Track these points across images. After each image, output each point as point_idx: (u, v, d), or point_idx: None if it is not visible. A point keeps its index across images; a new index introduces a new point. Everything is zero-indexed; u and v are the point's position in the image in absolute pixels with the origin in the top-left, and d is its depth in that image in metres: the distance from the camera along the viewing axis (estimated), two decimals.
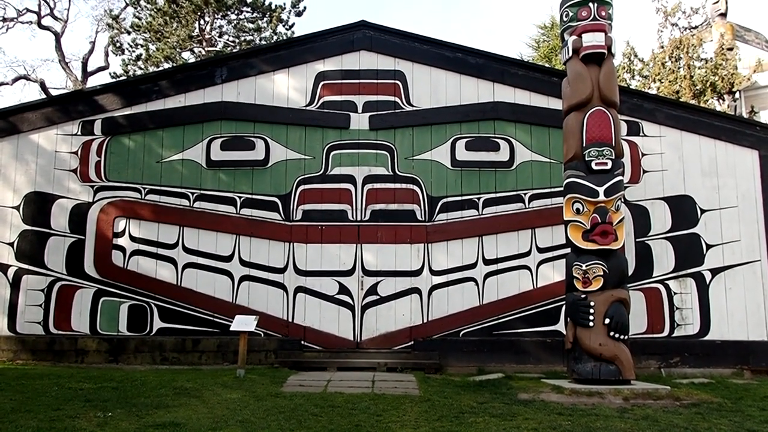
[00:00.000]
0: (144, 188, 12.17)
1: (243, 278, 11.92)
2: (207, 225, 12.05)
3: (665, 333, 11.78)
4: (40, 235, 12.02)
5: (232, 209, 12.09)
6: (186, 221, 12.06)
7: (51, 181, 12.20)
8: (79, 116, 12.42)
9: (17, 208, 12.12)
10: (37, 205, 12.13)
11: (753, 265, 11.99)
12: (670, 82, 21.80)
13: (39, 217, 12.08)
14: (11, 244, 12.02)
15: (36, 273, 11.92)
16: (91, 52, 33.35)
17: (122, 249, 11.98)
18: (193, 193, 12.15)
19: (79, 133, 12.37)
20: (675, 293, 11.88)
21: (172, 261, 11.95)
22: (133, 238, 12.02)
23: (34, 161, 12.27)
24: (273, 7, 31.50)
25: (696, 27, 23.63)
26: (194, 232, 12.03)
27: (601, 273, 9.02)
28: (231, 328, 10.54)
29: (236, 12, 31.85)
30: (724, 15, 23.43)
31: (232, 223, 12.04)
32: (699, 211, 12.12)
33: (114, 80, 27.85)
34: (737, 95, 22.37)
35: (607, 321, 8.88)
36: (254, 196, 12.12)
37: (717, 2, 23.56)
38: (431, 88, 12.53)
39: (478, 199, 12.11)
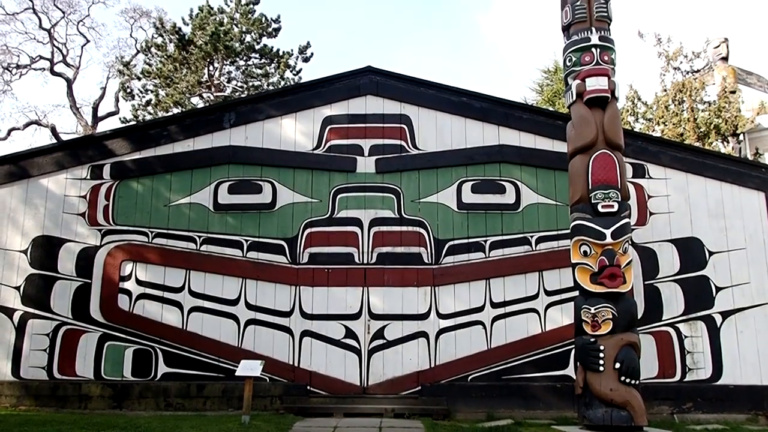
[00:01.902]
0: (151, 232, 12.21)
1: (249, 322, 11.85)
2: (213, 268, 12.04)
3: (677, 377, 11.58)
4: (47, 279, 12.03)
5: (239, 252, 12.09)
6: (192, 265, 12.06)
7: (59, 225, 12.27)
8: (88, 161, 12.56)
9: (25, 252, 12.16)
10: (45, 249, 12.17)
11: (764, 308, 11.84)
12: (674, 124, 21.94)
13: (46, 261, 12.11)
14: (18, 288, 12.02)
15: (42, 317, 11.89)
16: (101, 97, 33.95)
17: (128, 293, 11.96)
18: (200, 237, 12.18)
19: (89, 177, 12.49)
20: (686, 337, 11.72)
21: (178, 305, 11.91)
22: (139, 282, 12.01)
23: (43, 205, 12.37)
24: (281, 53, 32.09)
25: (698, 71, 23.88)
26: (200, 275, 12.02)
27: (611, 316, 8.91)
28: (236, 373, 10.39)
29: (245, 58, 32.44)
30: (725, 59, 23.71)
31: (239, 267, 12.03)
32: (707, 253, 12.05)
33: (124, 125, 28.23)
34: (741, 137, 22.46)
35: (617, 365, 8.74)
36: (261, 240, 12.14)
37: (718, 47, 23.87)
38: (437, 131, 12.64)
39: (485, 241, 12.09)
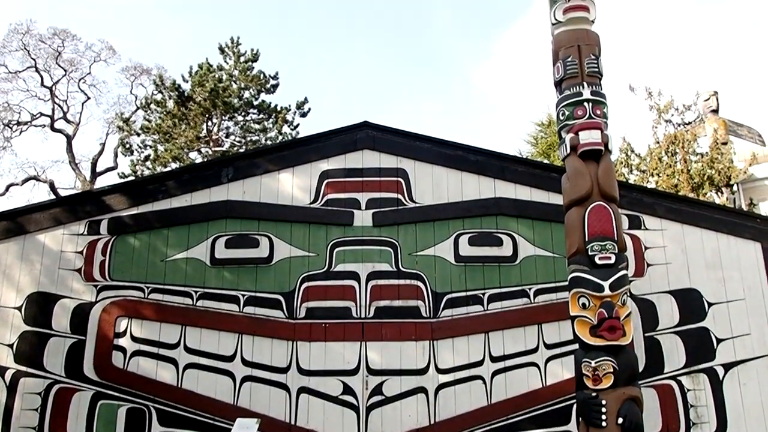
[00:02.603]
0: (147, 287, 12.14)
1: (245, 379, 11.66)
2: (209, 324, 11.92)
3: None
4: (41, 336, 11.87)
5: (236, 308, 12.00)
6: (188, 320, 11.95)
7: (55, 281, 12.19)
8: (86, 216, 12.58)
9: (19, 308, 12.05)
10: (40, 306, 12.06)
11: (766, 359, 11.72)
12: (668, 176, 22.19)
13: (40, 318, 11.98)
14: (11, 346, 11.86)
15: (34, 375, 11.69)
16: (100, 153, 34.37)
17: (123, 350, 11.81)
18: (196, 292, 12.11)
19: (86, 232, 12.48)
20: (688, 390, 11.55)
21: (173, 361, 11.73)
22: (134, 339, 11.87)
23: (39, 261, 12.32)
24: (279, 108, 32.65)
25: (689, 123, 24.30)
26: (196, 331, 11.89)
27: (612, 370, 8.78)
28: None
29: (243, 114, 32.98)
30: (715, 111, 24.18)
31: (235, 322, 11.92)
32: (706, 305, 12.00)
33: (122, 181, 28.46)
34: (735, 188, 22.68)
35: (620, 420, 8.56)
36: (258, 294, 12.06)
37: (708, 99, 24.37)
38: (433, 184, 12.73)
39: (483, 294, 12.03)
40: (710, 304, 11.99)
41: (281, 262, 12.25)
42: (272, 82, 33.73)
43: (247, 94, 32.80)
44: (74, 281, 12.18)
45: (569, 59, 10.32)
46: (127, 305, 12.04)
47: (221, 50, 33.54)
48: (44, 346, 11.82)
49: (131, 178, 29.98)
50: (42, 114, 34.85)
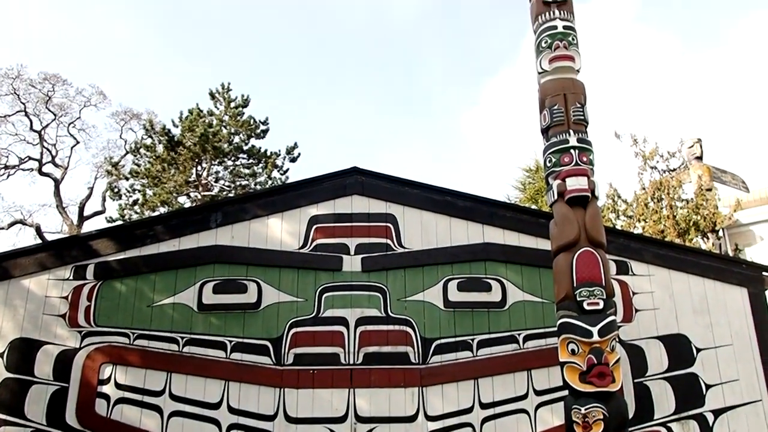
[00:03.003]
0: (133, 333, 11.98)
1: (231, 427, 11.43)
2: (195, 371, 11.74)
3: None
4: (23, 383, 11.63)
5: (223, 354, 11.85)
6: (174, 367, 11.76)
7: (38, 327, 12.01)
8: (72, 261, 12.48)
9: (1, 355, 11.83)
10: (22, 352, 11.84)
11: (755, 405, 11.69)
12: (654, 221, 22.42)
13: (22, 365, 11.75)
14: None
15: (14, 424, 11.40)
16: (88, 197, 34.31)
17: (106, 397, 11.57)
18: (182, 338, 11.96)
19: (71, 277, 12.36)
20: None
21: (158, 409, 11.50)
22: (118, 386, 11.65)
23: (23, 306, 12.15)
24: (269, 153, 32.84)
25: (674, 169, 24.69)
26: (182, 378, 11.70)
27: (602, 417, 8.71)
28: None
29: (233, 158, 33.12)
30: (700, 158, 24.60)
31: (222, 369, 11.75)
32: (695, 350, 12.00)
33: (110, 225, 28.31)
34: (721, 233, 22.92)
35: None
36: (245, 340, 11.93)
37: (692, 146, 24.83)
38: (422, 230, 12.78)
39: (472, 340, 11.98)
40: (698, 350, 11.99)
41: (269, 307, 12.17)
42: (262, 127, 34.03)
43: (237, 139, 33.04)
44: (58, 327, 12.01)
45: (555, 107, 10.54)
46: (112, 351, 11.85)
47: (212, 96, 33.88)
48: (26, 393, 11.57)
49: (119, 222, 29.92)
50: (30, 158, 34.96)
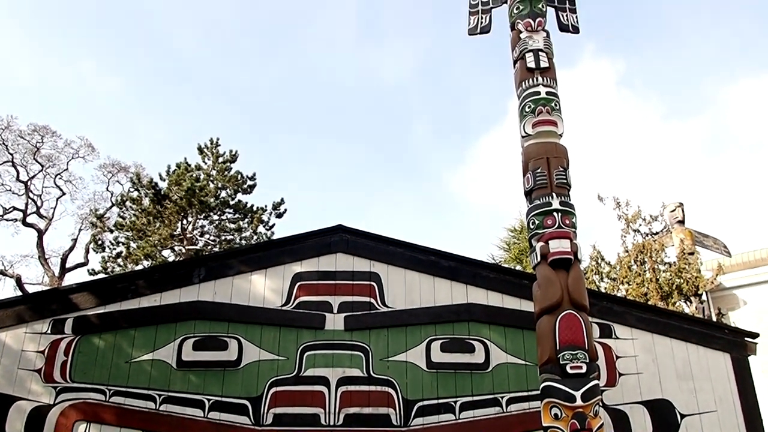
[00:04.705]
0: (109, 390, 11.70)
1: None
2: (171, 430, 11.42)
3: None
4: None
5: (200, 413, 11.57)
6: (150, 426, 11.44)
7: (12, 381, 11.70)
8: (50, 314, 12.27)
9: None
10: None
11: None
12: (637, 284, 22.53)
13: None
14: None
15: None
16: (71, 248, 34.03)
17: None
18: (160, 395, 11.69)
19: (49, 331, 12.13)
20: None
21: None
22: None
23: None
24: (255, 209, 32.91)
25: (657, 233, 24.96)
26: None
27: None
28: None
29: (219, 213, 33.11)
30: (682, 222, 24.92)
31: (199, 428, 11.45)
32: (679, 416, 11.89)
33: (91, 279, 28.01)
34: (704, 297, 23.03)
35: None
36: (224, 399, 11.68)
37: (674, 210, 25.18)
38: (406, 289, 12.75)
39: (455, 402, 11.80)
40: (683, 416, 11.88)
41: (250, 365, 11.97)
42: (249, 182, 34.20)
43: (223, 194, 33.13)
44: (33, 382, 11.71)
45: (539, 171, 10.72)
46: (87, 409, 11.54)
47: (200, 150, 34.12)
48: None
49: (101, 275, 29.56)
50: (15, 208, 34.78)
